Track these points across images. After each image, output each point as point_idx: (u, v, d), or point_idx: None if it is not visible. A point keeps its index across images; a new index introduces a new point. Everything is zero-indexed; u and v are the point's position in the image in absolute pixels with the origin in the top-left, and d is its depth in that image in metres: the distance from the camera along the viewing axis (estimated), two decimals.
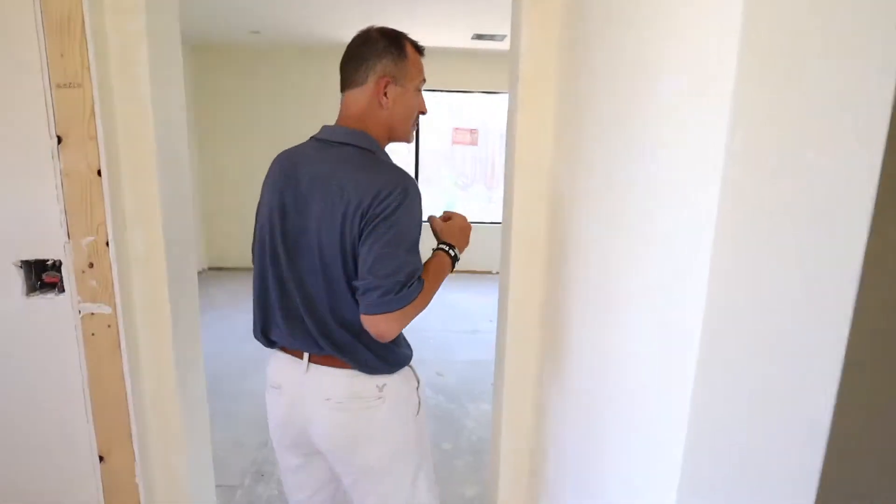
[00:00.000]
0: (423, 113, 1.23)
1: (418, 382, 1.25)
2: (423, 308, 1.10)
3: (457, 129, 6.03)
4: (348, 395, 1.14)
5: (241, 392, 3.15)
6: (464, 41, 5.23)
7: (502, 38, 4.98)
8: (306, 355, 1.16)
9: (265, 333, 1.22)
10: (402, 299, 1.03)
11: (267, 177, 1.21)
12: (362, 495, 1.23)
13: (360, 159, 1.10)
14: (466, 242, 1.27)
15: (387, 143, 1.20)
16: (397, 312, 1.03)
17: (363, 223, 1.03)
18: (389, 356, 1.16)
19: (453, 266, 1.23)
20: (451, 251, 1.23)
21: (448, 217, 1.29)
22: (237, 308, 4.77)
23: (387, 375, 1.16)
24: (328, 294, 1.11)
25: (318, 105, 5.94)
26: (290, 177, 1.14)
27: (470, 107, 6.37)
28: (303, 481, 1.31)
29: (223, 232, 6.10)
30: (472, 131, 6.05)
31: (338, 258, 1.07)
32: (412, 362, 1.25)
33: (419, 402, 1.24)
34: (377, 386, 1.15)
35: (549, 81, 1.44)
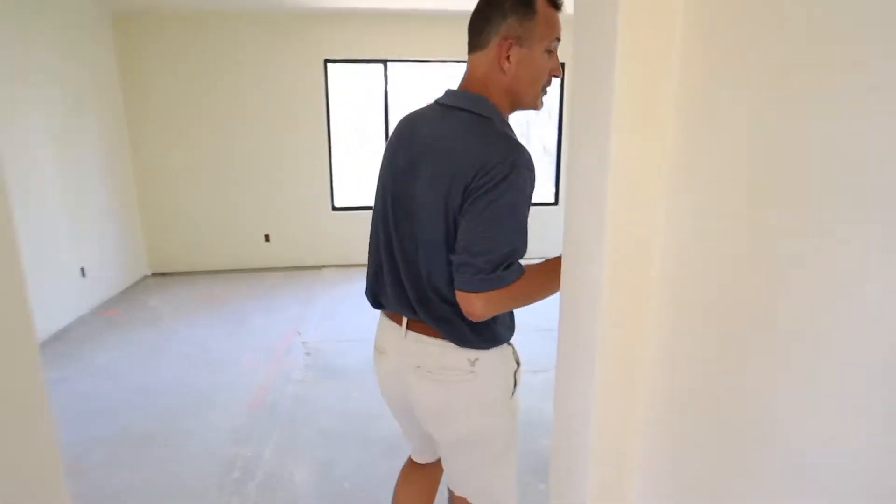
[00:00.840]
0: (557, 76, 1.12)
1: (517, 365, 1.20)
2: (524, 300, 1.04)
3: None
4: (438, 366, 1.13)
5: (191, 434, 2.51)
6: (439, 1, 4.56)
7: None
8: (405, 321, 1.16)
9: (375, 294, 1.24)
10: (495, 281, 0.98)
11: (389, 140, 1.21)
12: (449, 460, 1.26)
13: (473, 127, 1.05)
14: None
15: (511, 111, 1.13)
16: (488, 293, 0.99)
17: (465, 195, 1.00)
18: (485, 331, 1.11)
19: None
20: None
21: None
22: (183, 321, 4.07)
23: (480, 350, 1.12)
24: (426, 262, 1.09)
25: (275, 83, 5.20)
26: (405, 139, 1.14)
27: (449, 77, 5.71)
28: (413, 435, 1.38)
29: (167, 233, 5.34)
30: None
31: (440, 228, 1.05)
32: (516, 346, 1.21)
33: (514, 385, 1.19)
34: (469, 360, 1.12)
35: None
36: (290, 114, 5.30)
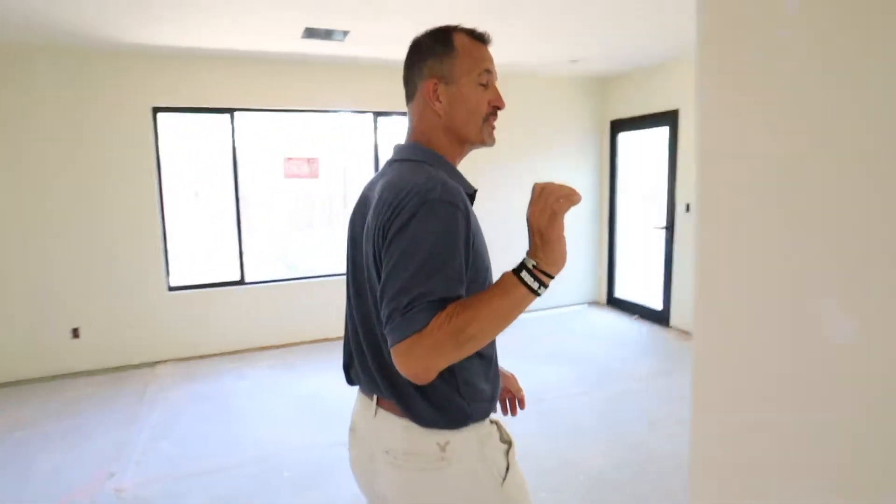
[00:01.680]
0: (499, 107, 1.06)
1: (509, 445, 1.05)
2: (469, 344, 0.87)
3: (290, 159, 4.64)
4: (403, 450, 0.99)
5: None
6: (291, 41, 3.94)
7: (343, 35, 3.81)
8: (375, 397, 1.06)
9: (346, 370, 1.16)
10: (405, 326, 0.85)
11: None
12: None
13: (398, 171, 0.99)
14: (556, 253, 0.94)
15: (461, 151, 1.08)
16: (406, 343, 0.85)
17: (384, 241, 0.92)
18: (447, 406, 0.96)
19: (529, 290, 0.90)
20: (529, 277, 0.90)
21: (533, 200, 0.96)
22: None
23: (449, 431, 0.98)
24: (380, 334, 0.98)
25: (89, 134, 4.10)
26: (361, 204, 1.07)
27: (306, 129, 5.05)
28: None
29: None
30: (311, 161, 4.72)
31: (370, 282, 0.99)
32: (501, 420, 1.08)
33: (507, 468, 1.02)
34: (438, 444, 0.97)
35: None
36: (108, 171, 4.20)
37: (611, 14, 3.48)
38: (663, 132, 5.09)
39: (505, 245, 3.05)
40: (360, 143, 5.11)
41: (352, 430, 1.14)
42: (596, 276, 6.10)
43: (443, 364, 0.88)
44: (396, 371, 0.90)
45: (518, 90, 5.45)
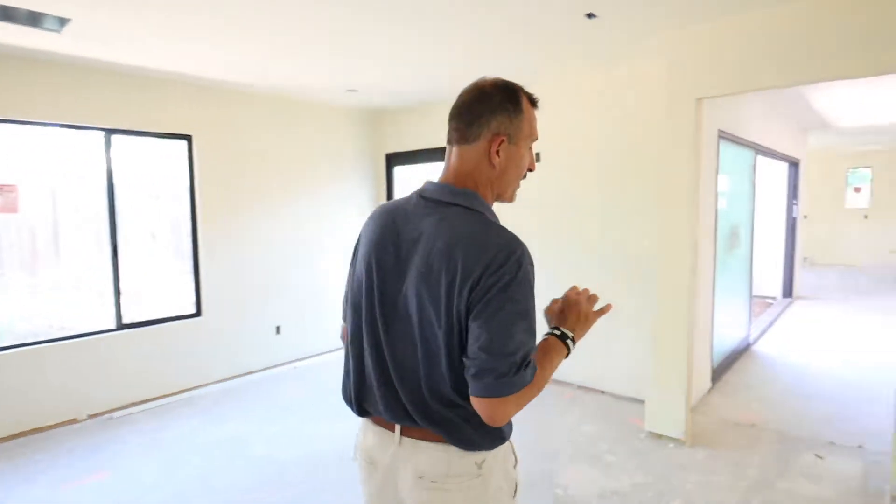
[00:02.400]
0: (532, 170, 1.17)
1: (516, 461, 1.16)
2: (537, 394, 1.03)
3: None
4: (444, 473, 1.06)
5: None
6: None
7: (59, 23, 2.85)
8: (398, 427, 1.10)
9: (358, 401, 1.17)
10: (518, 383, 0.97)
11: (362, 233, 1.19)
12: None
13: (468, 221, 1.05)
14: (585, 329, 1.17)
15: (493, 203, 1.15)
16: (512, 396, 0.97)
17: (472, 294, 0.97)
18: (493, 431, 1.06)
19: (567, 354, 1.13)
20: (565, 339, 1.12)
21: (570, 299, 1.18)
22: None
23: (486, 451, 1.08)
24: (425, 364, 1.04)
25: None
26: (389, 235, 1.10)
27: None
28: None
29: None
30: (8, 188, 3.42)
31: (440, 329, 1.01)
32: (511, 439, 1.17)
33: (517, 484, 1.15)
34: (476, 463, 1.07)
35: None
36: None
37: (385, 49, 3.40)
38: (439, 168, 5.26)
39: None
40: (84, 167, 3.95)
41: (368, 461, 1.17)
42: None
43: (521, 406, 1.01)
44: (437, 404, 1.03)
45: (294, 116, 5.00)
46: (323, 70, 3.96)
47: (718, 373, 4.51)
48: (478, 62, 3.75)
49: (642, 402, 3.83)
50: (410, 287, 1.05)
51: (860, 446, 3.27)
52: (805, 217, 8.63)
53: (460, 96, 1.12)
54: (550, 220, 4.41)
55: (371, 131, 5.72)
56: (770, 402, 4.03)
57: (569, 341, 1.12)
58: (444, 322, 1.00)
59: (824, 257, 11.31)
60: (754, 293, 5.92)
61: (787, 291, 7.77)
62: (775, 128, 6.02)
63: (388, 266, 1.09)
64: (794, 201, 7.59)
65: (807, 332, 5.99)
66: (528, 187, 2.91)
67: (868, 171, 10.96)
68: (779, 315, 6.80)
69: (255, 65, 3.77)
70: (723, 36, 3.05)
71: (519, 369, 0.96)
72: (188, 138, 4.38)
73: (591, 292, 1.20)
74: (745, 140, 4.80)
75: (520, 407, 0.99)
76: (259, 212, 4.80)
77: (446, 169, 1.13)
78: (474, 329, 0.97)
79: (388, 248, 1.10)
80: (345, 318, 1.23)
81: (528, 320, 0.99)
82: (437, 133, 5.23)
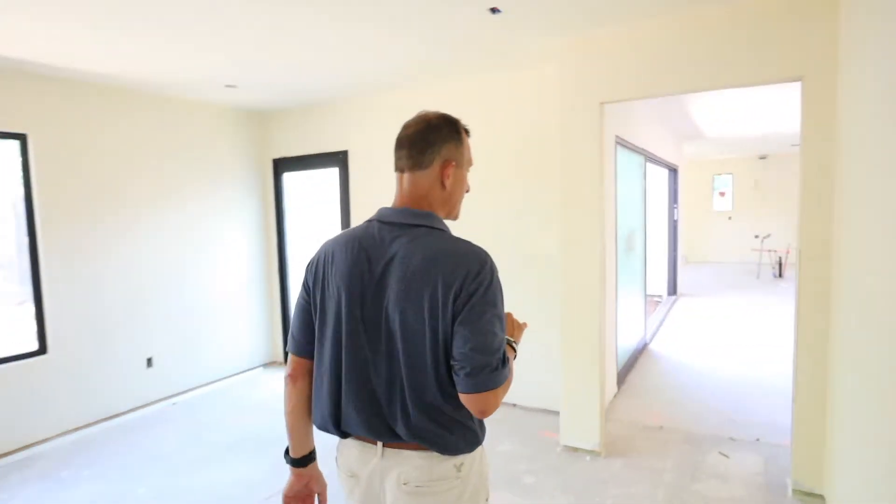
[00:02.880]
0: (468, 191, 1.30)
1: (488, 465, 1.27)
2: (510, 386, 1.14)
3: None
4: (427, 478, 1.15)
5: None
6: None
7: None
8: (380, 443, 1.18)
9: (336, 424, 1.21)
10: (505, 374, 1.10)
11: (324, 264, 1.23)
12: None
13: (437, 238, 1.16)
14: (520, 336, 1.33)
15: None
16: (502, 386, 1.09)
17: (456, 302, 1.08)
18: (468, 434, 1.17)
19: (515, 355, 1.26)
20: (512, 343, 1.26)
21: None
22: None
23: (464, 455, 1.17)
24: (410, 377, 1.12)
25: None
26: (361, 261, 1.18)
27: None
28: None
29: None
30: None
31: (426, 341, 1.10)
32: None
33: (489, 486, 1.25)
34: (455, 465, 1.16)
35: None
36: None
37: (265, 37, 2.99)
38: (333, 173, 4.87)
39: None
40: None
41: (350, 474, 1.24)
42: (269, 334, 5.38)
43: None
44: (416, 415, 1.12)
45: (163, 114, 4.34)
46: (193, 58, 3.42)
47: (623, 375, 4.57)
48: (372, 59, 3.45)
49: (555, 413, 3.73)
50: (392, 306, 1.13)
51: (758, 439, 3.40)
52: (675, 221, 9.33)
53: (407, 128, 1.23)
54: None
55: (257, 134, 5.17)
56: (672, 401, 4.12)
57: (514, 344, 1.27)
58: (430, 332, 1.10)
59: (696, 255, 12.38)
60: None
61: (672, 289, 8.30)
62: (659, 136, 6.35)
63: (366, 291, 1.16)
64: (675, 205, 8.14)
65: (694, 328, 6.38)
66: None
67: (730, 177, 12.18)
68: (667, 313, 7.21)
69: (104, 49, 3.15)
70: (625, 41, 3.03)
71: (504, 362, 1.10)
72: (22, 137, 3.60)
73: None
74: (637, 146, 4.95)
75: (503, 397, 1.11)
76: (120, 225, 4.08)
77: (400, 194, 1.23)
78: (462, 332, 1.07)
79: (363, 274, 1.16)
80: (298, 352, 1.28)
81: (502, 320, 1.13)
82: (328, 136, 4.83)
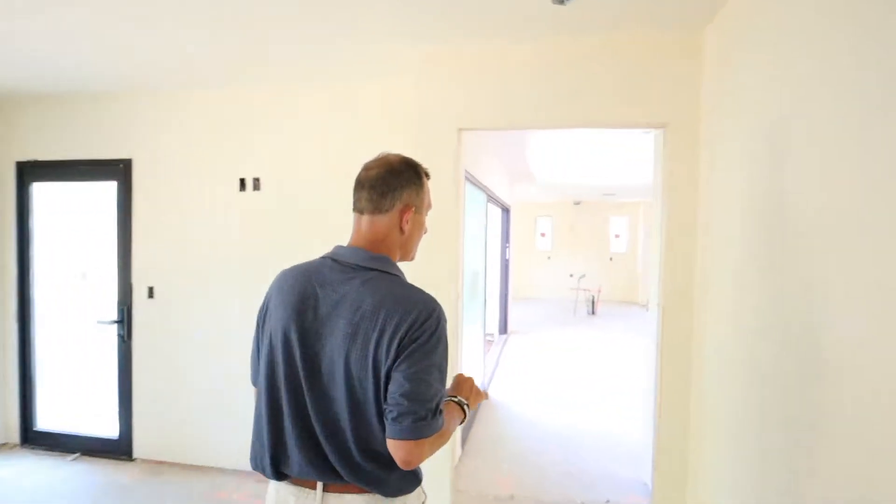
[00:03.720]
0: (426, 232, 1.31)
1: (426, 498, 1.27)
2: (443, 444, 1.13)
3: None
4: None
5: None
6: None
7: None
8: (320, 485, 1.14)
9: (275, 465, 1.18)
10: (433, 426, 1.07)
11: (274, 294, 1.22)
12: None
13: (389, 283, 1.15)
14: (477, 402, 1.34)
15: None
16: (428, 439, 1.07)
17: (399, 348, 1.07)
18: (410, 475, 1.16)
19: (464, 418, 1.27)
20: (463, 405, 1.28)
21: (461, 377, 1.37)
22: None
23: (407, 494, 1.18)
24: (353, 420, 1.11)
25: None
26: (308, 297, 1.16)
27: None
28: None
29: None
30: None
31: (369, 383, 1.09)
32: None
33: None
34: None
35: None
36: None
37: None
38: (110, 187, 3.67)
39: None
40: None
41: None
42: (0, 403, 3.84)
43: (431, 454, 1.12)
44: (359, 457, 1.11)
45: None
46: None
47: (466, 430, 4.13)
48: (167, 46, 2.56)
49: None
50: (336, 347, 1.11)
51: (608, 501, 3.16)
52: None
53: (367, 169, 1.22)
54: (267, 254, 3.39)
55: None
56: (518, 460, 3.77)
57: (465, 407, 1.27)
58: (373, 377, 1.08)
59: (520, 292, 12.96)
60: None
61: (503, 328, 8.32)
62: (498, 173, 6.29)
63: (309, 327, 1.14)
64: (507, 244, 8.24)
65: (528, 369, 6.30)
66: (251, 217, 2.99)
67: (549, 219, 13.09)
68: (501, 352, 7.11)
69: None
70: (487, 65, 2.65)
71: (434, 414, 1.07)
72: None
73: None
74: (482, 183, 4.70)
75: (432, 451, 1.10)
76: None
77: (357, 235, 1.22)
78: (397, 378, 1.06)
79: (308, 310, 1.15)
80: (255, 382, 1.25)
81: (442, 372, 1.11)
82: (104, 137, 3.64)
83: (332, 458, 1.11)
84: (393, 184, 1.19)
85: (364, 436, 1.10)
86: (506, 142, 5.31)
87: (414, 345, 1.05)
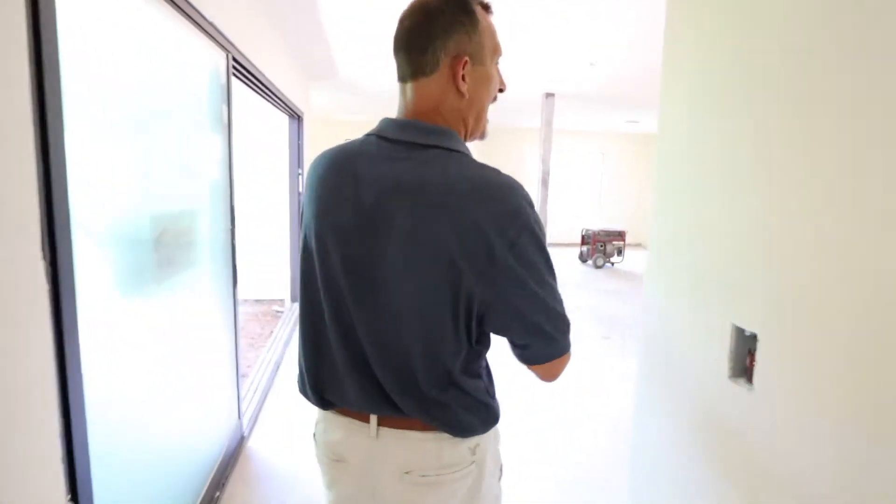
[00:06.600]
0: (503, 90, 0.98)
1: (499, 440, 1.04)
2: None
3: None
4: (437, 466, 0.91)
5: None
6: None
7: None
8: (374, 418, 0.92)
9: (319, 391, 0.97)
10: (568, 332, 0.90)
11: (308, 186, 0.96)
12: None
13: (459, 164, 0.85)
14: None
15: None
16: (567, 354, 0.91)
17: (495, 257, 0.80)
18: (485, 412, 0.93)
19: None
20: None
21: None
22: None
23: (480, 436, 0.95)
24: (422, 339, 0.86)
25: None
26: (346, 186, 0.88)
27: None
28: None
29: None
30: None
31: (445, 296, 0.83)
32: None
33: (502, 463, 1.05)
34: (469, 448, 0.93)
35: None
36: None
37: None
38: None
39: None
40: None
41: (337, 458, 0.96)
42: None
43: None
44: (424, 385, 0.87)
45: None
46: None
47: None
48: None
49: None
50: (394, 249, 0.83)
51: None
52: None
53: (401, 22, 0.90)
54: None
55: None
56: None
57: None
58: (450, 288, 0.82)
59: None
60: (250, 306, 3.44)
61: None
62: (278, 58, 3.60)
63: (350, 226, 0.87)
64: (299, 170, 5.62)
65: None
66: None
67: None
68: (290, 338, 4.66)
69: None
70: None
71: (567, 325, 0.90)
72: None
73: None
74: (217, 28, 2.06)
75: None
76: None
77: (408, 107, 0.91)
78: (509, 304, 0.84)
79: (347, 203, 0.87)
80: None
81: (551, 268, 0.87)
82: None
83: (387, 386, 0.87)
84: (433, 32, 0.86)
85: (432, 360, 0.85)
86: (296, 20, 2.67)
87: (517, 249, 0.80)
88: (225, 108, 2.59)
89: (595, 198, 12.39)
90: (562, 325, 0.88)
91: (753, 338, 1.34)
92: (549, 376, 0.92)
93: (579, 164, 12.05)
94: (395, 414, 0.90)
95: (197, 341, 2.23)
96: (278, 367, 3.93)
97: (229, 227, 2.63)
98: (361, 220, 0.86)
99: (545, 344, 0.88)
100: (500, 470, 1.04)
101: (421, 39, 0.87)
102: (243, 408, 2.92)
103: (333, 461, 0.98)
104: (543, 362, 0.89)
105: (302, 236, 0.96)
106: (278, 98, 4.04)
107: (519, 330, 0.87)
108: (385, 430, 0.91)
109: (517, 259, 0.81)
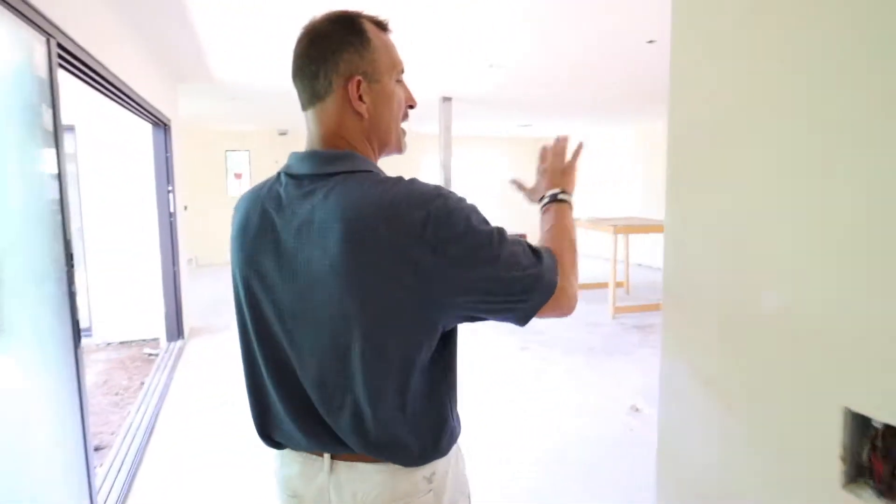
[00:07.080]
0: (412, 106, 0.95)
1: (463, 461, 0.98)
2: (574, 250, 0.92)
3: None
4: (390, 498, 0.85)
5: None
6: None
7: None
8: (327, 455, 0.88)
9: (267, 434, 0.93)
10: (550, 265, 0.84)
11: (233, 232, 0.91)
12: None
13: (358, 187, 0.80)
14: (573, 180, 1.05)
15: (378, 160, 0.92)
16: (558, 278, 0.84)
17: (420, 271, 0.75)
18: (441, 437, 0.87)
19: (570, 207, 1.01)
20: (561, 196, 1.01)
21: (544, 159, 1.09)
22: None
23: (436, 461, 0.88)
24: (364, 371, 0.80)
25: None
26: (263, 231, 0.85)
27: None
28: None
29: None
30: None
31: (388, 319, 0.79)
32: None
33: (469, 491, 0.98)
34: (424, 477, 0.87)
35: None
36: None
37: None
38: None
39: None
40: None
41: (293, 496, 0.93)
42: None
43: (577, 278, 0.91)
44: (371, 419, 0.82)
45: None
46: None
47: None
48: None
49: None
50: (321, 291, 0.80)
51: None
52: (186, 208, 6.12)
53: (294, 49, 0.87)
54: None
55: None
56: None
57: (562, 196, 1.01)
58: (394, 308, 0.78)
59: (211, 256, 9.36)
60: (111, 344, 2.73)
61: (177, 328, 5.01)
62: (131, 54, 2.93)
63: (271, 269, 0.84)
64: (170, 187, 4.83)
65: (238, 416, 3.33)
66: None
67: (247, 154, 9.71)
68: (170, 382, 3.89)
69: None
70: None
71: (539, 260, 0.83)
72: None
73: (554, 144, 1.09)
74: (37, 8, 1.46)
75: (574, 273, 0.89)
76: None
77: (309, 136, 0.89)
78: (465, 290, 0.78)
79: (266, 248, 0.84)
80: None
81: (494, 234, 0.80)
82: None
83: (333, 426, 0.84)
84: (318, 53, 0.84)
85: (376, 392, 0.80)
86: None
87: (438, 258, 0.75)
88: (48, 109, 1.95)
89: (499, 202, 12.45)
90: (528, 281, 0.81)
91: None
92: (559, 312, 0.86)
93: (484, 170, 12.00)
94: (345, 451, 0.86)
95: (6, 429, 1.60)
96: (152, 429, 3.19)
97: (64, 268, 1.98)
98: (283, 265, 0.83)
99: (525, 304, 0.82)
100: (468, 497, 0.98)
101: (312, 64, 0.85)
102: (100, 495, 2.24)
103: (290, 497, 0.94)
104: (538, 312, 0.84)
105: (233, 283, 0.92)
106: (132, 100, 3.33)
107: (492, 312, 0.83)
108: (339, 464, 0.88)
109: (449, 260, 0.76)
